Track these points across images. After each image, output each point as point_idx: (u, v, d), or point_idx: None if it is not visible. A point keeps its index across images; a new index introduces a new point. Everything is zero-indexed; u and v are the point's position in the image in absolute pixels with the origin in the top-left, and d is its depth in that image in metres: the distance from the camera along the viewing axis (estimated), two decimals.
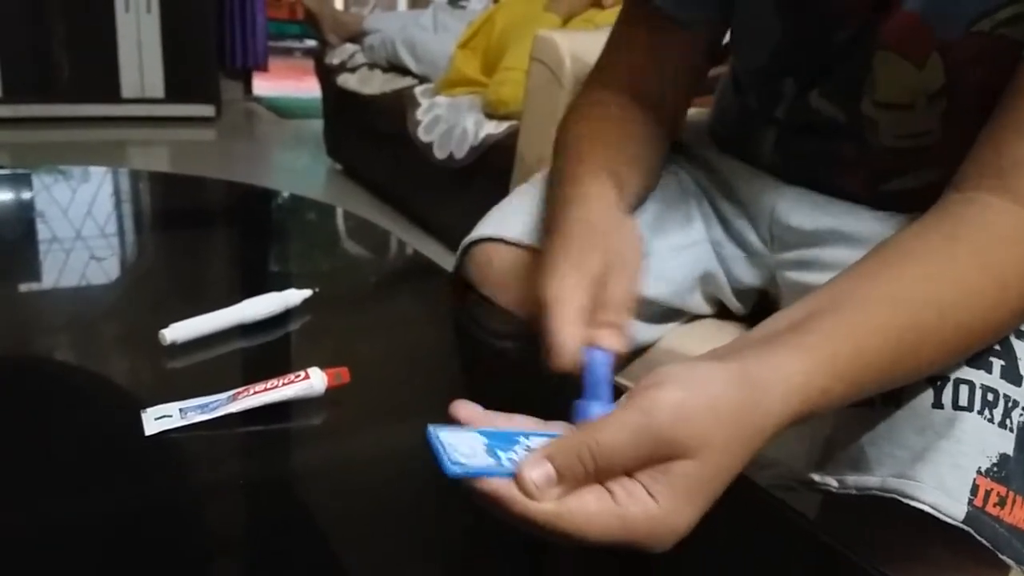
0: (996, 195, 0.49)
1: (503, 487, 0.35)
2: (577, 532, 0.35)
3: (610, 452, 0.36)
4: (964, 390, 0.48)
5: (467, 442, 0.37)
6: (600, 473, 0.36)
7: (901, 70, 0.59)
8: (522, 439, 0.39)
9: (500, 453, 0.37)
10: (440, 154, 2.28)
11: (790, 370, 0.40)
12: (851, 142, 0.65)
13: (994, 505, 0.46)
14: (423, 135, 2.37)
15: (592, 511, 0.35)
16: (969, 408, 0.47)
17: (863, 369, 0.43)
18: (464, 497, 0.36)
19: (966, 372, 0.48)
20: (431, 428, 0.37)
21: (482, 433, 0.38)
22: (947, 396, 0.48)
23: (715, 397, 0.37)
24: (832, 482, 0.51)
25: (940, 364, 0.48)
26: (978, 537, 0.45)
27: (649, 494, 0.36)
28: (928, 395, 0.48)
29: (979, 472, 0.46)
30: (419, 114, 2.42)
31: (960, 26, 0.54)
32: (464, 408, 0.40)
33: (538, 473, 0.35)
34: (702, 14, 0.69)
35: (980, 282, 0.46)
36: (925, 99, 0.59)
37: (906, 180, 0.65)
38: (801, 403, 0.40)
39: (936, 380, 0.48)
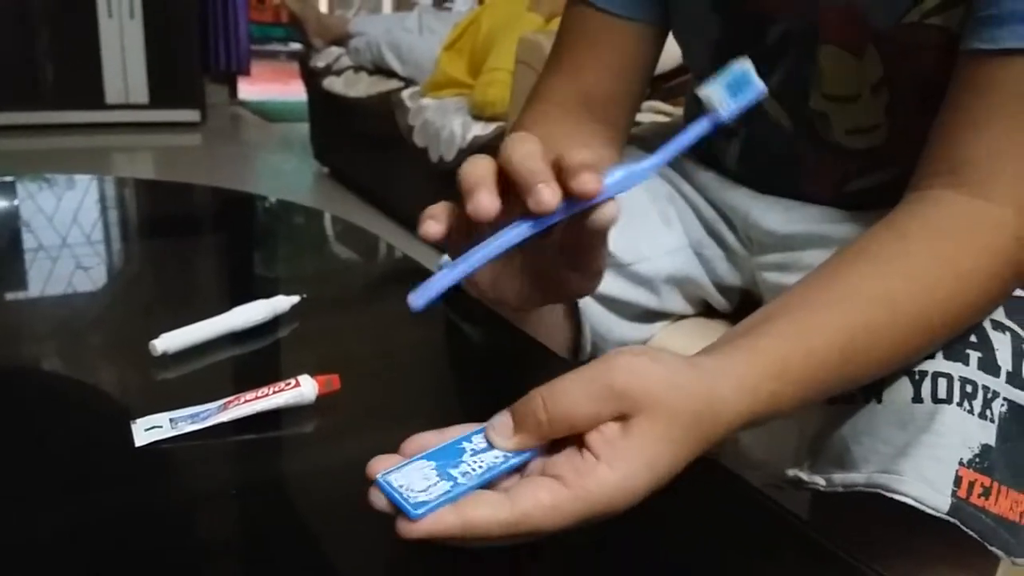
0: (950, 190, 0.49)
1: (451, 522, 0.35)
2: (539, 528, 0.35)
3: (562, 399, 0.37)
4: (943, 383, 0.48)
5: (418, 475, 0.37)
6: (554, 423, 0.37)
7: (844, 62, 0.59)
8: (465, 444, 0.39)
9: (452, 472, 0.37)
10: (433, 157, 2.29)
11: (741, 372, 0.41)
12: (807, 144, 0.66)
13: (979, 496, 0.47)
14: (418, 140, 2.37)
15: (548, 504, 0.35)
16: (948, 400, 0.48)
17: (815, 370, 0.43)
18: None
19: (943, 365, 0.49)
20: (380, 477, 0.37)
21: (427, 458, 0.38)
22: (926, 390, 0.48)
23: (672, 370, 0.38)
24: (820, 480, 0.51)
25: (902, 358, 0.48)
26: (964, 528, 0.46)
27: (603, 462, 0.35)
28: (907, 390, 0.49)
29: (961, 463, 0.47)
30: (410, 119, 2.42)
31: (890, 16, 0.55)
32: (413, 443, 0.40)
33: (499, 420, 0.38)
34: (638, 11, 0.69)
35: (934, 274, 0.47)
36: (868, 90, 0.60)
37: (865, 180, 0.66)
38: (752, 404, 0.40)
39: (915, 375, 0.49)
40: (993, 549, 0.46)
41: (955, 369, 0.48)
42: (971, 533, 0.46)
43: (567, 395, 0.37)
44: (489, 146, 2.03)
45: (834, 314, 0.45)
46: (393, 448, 0.44)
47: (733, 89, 0.42)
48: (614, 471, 0.35)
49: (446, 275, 0.40)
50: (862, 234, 0.50)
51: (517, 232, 0.40)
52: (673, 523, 0.45)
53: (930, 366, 0.49)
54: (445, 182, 2.27)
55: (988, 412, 0.48)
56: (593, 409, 0.36)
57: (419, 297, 0.40)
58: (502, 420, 0.38)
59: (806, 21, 0.60)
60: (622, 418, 0.36)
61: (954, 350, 0.49)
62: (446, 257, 0.40)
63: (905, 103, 0.59)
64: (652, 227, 0.75)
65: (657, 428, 0.36)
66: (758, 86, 0.42)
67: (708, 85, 0.43)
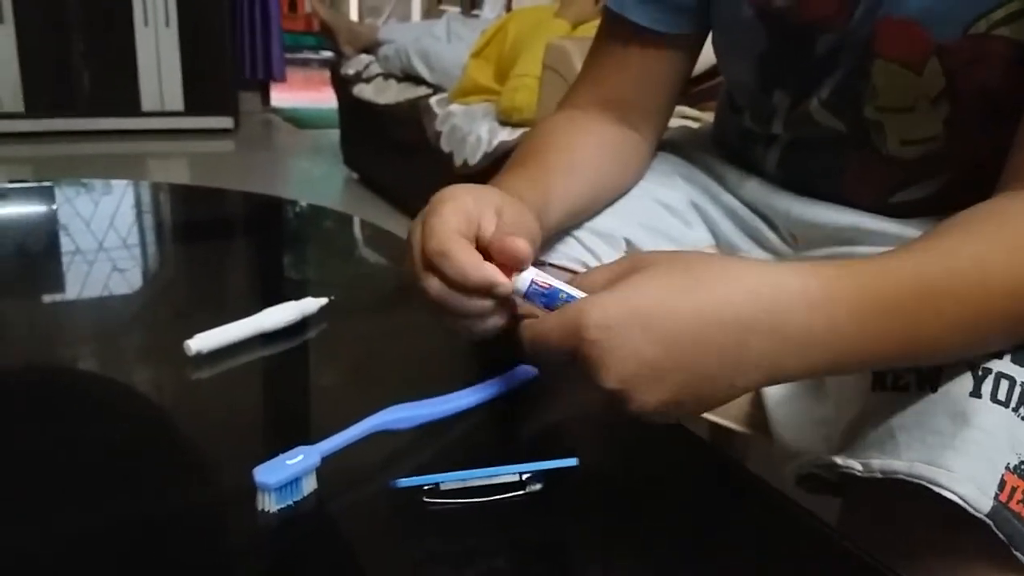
0: None
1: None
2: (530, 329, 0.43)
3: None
4: (1004, 385, 0.47)
5: None
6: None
7: (901, 77, 0.59)
8: None
9: None
10: (457, 161, 2.30)
11: (797, 261, 0.44)
12: (856, 152, 0.65)
13: (1017, 502, 0.46)
14: (445, 145, 2.38)
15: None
16: (1006, 404, 0.47)
17: (891, 285, 0.43)
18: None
19: (1009, 367, 0.48)
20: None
21: None
22: (987, 387, 0.47)
23: (695, 253, 0.45)
24: (856, 465, 0.49)
25: (985, 330, 0.46)
26: (997, 532, 0.45)
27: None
28: (967, 383, 0.48)
29: (1007, 468, 0.46)
30: (437, 124, 2.44)
31: (956, 29, 0.54)
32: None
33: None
34: (677, 29, 0.69)
35: None
36: (927, 103, 0.59)
37: (912, 191, 0.65)
38: (801, 286, 0.42)
39: (978, 370, 0.48)
40: (1020, 556, 0.46)
41: (1020, 374, 0.48)
42: (1002, 536, 0.45)
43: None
44: None
45: (917, 258, 0.44)
46: (416, 448, 0.45)
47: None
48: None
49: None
50: (946, 218, 0.48)
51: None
52: (698, 528, 0.45)
53: (995, 365, 0.48)
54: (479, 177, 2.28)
55: None
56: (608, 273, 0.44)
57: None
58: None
59: (859, 34, 0.59)
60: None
61: (1022, 354, 0.49)
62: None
63: (966, 114, 0.58)
64: (670, 226, 0.75)
65: (646, 277, 0.42)
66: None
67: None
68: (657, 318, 0.40)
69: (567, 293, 0.45)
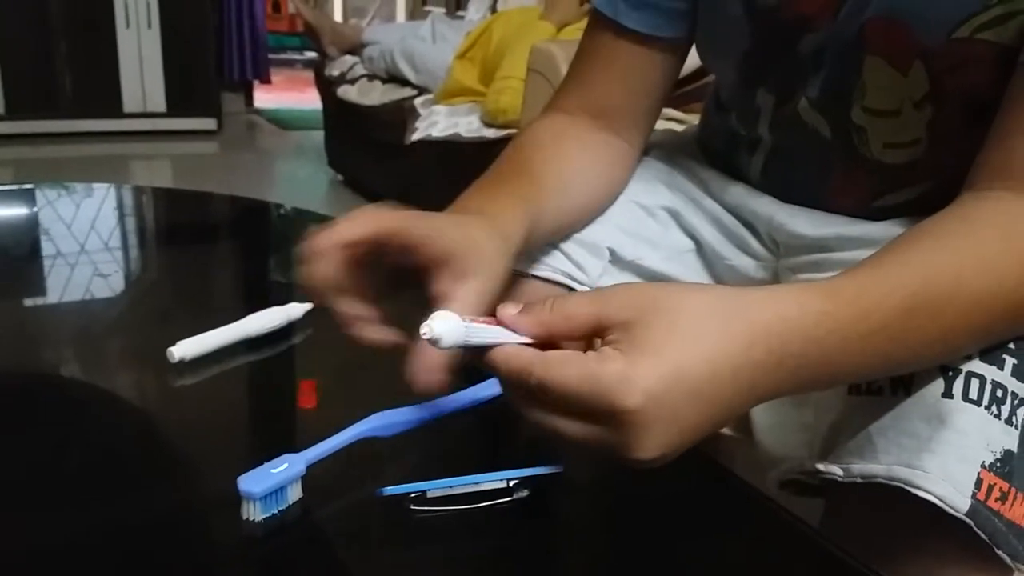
0: (1010, 192, 0.49)
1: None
2: (551, 375, 0.36)
3: (568, 299, 0.39)
4: (975, 383, 0.48)
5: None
6: (555, 311, 0.39)
7: (888, 76, 0.59)
8: None
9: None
10: (413, 136, 2.28)
11: (783, 289, 0.42)
12: (840, 158, 0.66)
13: (995, 500, 0.46)
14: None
15: (568, 356, 0.37)
16: (978, 402, 0.47)
17: (873, 304, 0.43)
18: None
19: (978, 366, 0.48)
20: None
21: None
22: (958, 387, 0.48)
23: (683, 284, 0.39)
24: (837, 471, 0.50)
25: (961, 339, 0.47)
26: (977, 531, 0.46)
27: (614, 350, 0.37)
28: (939, 385, 0.48)
29: (983, 466, 0.46)
30: (414, 137, 2.43)
31: (940, 33, 0.55)
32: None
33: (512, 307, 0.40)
34: (670, 32, 0.69)
35: (1000, 256, 0.46)
36: (911, 105, 0.60)
37: (897, 195, 0.65)
38: (800, 316, 0.40)
39: (948, 371, 0.49)
40: (1001, 554, 0.46)
41: (989, 372, 0.48)
42: (983, 536, 0.46)
43: (573, 297, 0.40)
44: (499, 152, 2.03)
45: (895, 273, 0.45)
46: (402, 451, 0.44)
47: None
48: (624, 355, 0.36)
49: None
50: (919, 222, 0.49)
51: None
52: (681, 530, 0.45)
53: (965, 365, 0.49)
54: (458, 191, 2.28)
55: (1014, 419, 0.48)
56: (596, 307, 0.38)
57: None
58: (515, 308, 0.40)
59: (844, 34, 0.60)
60: (628, 325, 0.38)
61: (991, 354, 0.49)
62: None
63: (949, 118, 0.59)
64: (653, 232, 0.75)
65: (661, 321, 0.37)
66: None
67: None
68: (700, 384, 0.37)
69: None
